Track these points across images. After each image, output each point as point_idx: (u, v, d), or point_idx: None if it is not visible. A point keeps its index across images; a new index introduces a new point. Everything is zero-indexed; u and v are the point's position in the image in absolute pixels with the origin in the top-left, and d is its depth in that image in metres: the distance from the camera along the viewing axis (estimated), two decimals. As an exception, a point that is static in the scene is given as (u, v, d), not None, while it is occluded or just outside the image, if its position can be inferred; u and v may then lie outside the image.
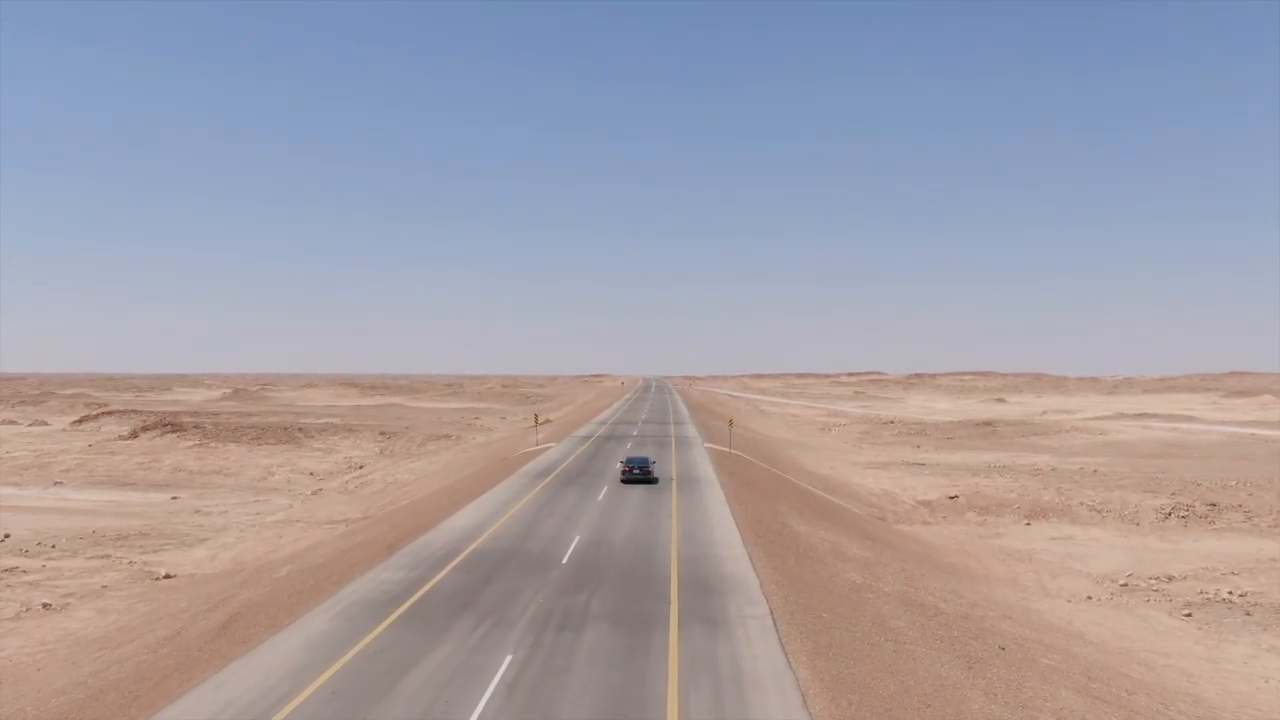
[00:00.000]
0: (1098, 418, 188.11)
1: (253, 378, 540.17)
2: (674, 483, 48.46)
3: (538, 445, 75.59)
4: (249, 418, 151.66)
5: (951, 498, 79.04)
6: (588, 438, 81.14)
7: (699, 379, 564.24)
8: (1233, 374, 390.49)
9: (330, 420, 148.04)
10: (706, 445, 73.05)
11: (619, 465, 51.08)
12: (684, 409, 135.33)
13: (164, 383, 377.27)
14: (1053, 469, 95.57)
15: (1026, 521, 69.29)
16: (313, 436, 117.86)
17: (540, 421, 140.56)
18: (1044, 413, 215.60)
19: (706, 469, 55.49)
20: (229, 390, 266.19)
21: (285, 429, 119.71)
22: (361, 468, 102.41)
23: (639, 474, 48.15)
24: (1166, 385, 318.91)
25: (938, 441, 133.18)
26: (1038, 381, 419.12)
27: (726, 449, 71.42)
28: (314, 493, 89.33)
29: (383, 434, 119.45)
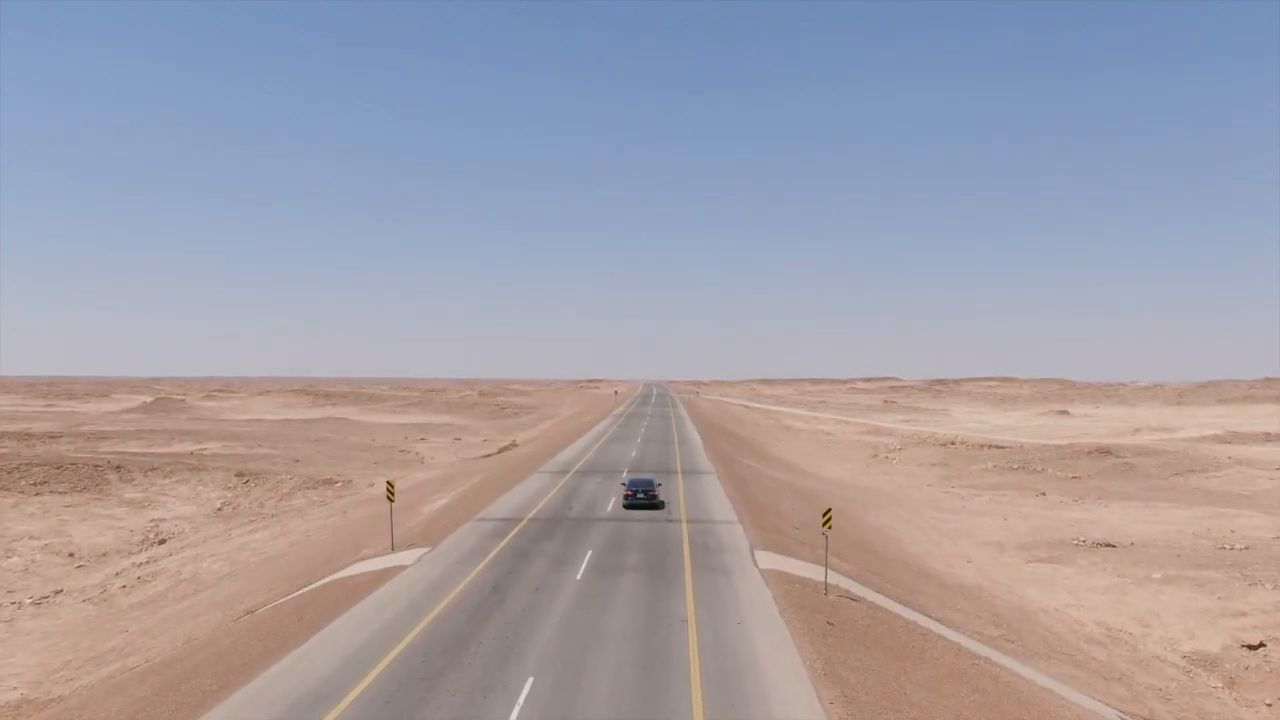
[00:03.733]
0: (1208, 438, 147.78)
1: (219, 381, 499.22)
2: None
3: (381, 562, 33.59)
4: (100, 442, 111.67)
5: (1252, 648, 39.03)
6: (514, 521, 40.85)
7: (704, 384, 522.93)
8: (1269, 379, 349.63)
9: (201, 448, 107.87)
10: (761, 558, 32.64)
11: (621, 485, 46.75)
12: (695, 438, 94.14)
13: (106, 388, 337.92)
14: (1338, 554, 55.49)
15: None
16: (133, 479, 77.96)
17: (486, 451, 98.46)
18: (1136, 430, 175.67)
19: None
20: (150, 398, 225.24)
21: (96, 467, 79.77)
22: (163, 542, 62.23)
23: (644, 499, 41.67)
24: (1243, 394, 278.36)
25: (1061, 482, 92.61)
26: (1071, 389, 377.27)
27: (818, 579, 30.80)
28: (39, 600, 49.93)
29: (240, 476, 79.43)
